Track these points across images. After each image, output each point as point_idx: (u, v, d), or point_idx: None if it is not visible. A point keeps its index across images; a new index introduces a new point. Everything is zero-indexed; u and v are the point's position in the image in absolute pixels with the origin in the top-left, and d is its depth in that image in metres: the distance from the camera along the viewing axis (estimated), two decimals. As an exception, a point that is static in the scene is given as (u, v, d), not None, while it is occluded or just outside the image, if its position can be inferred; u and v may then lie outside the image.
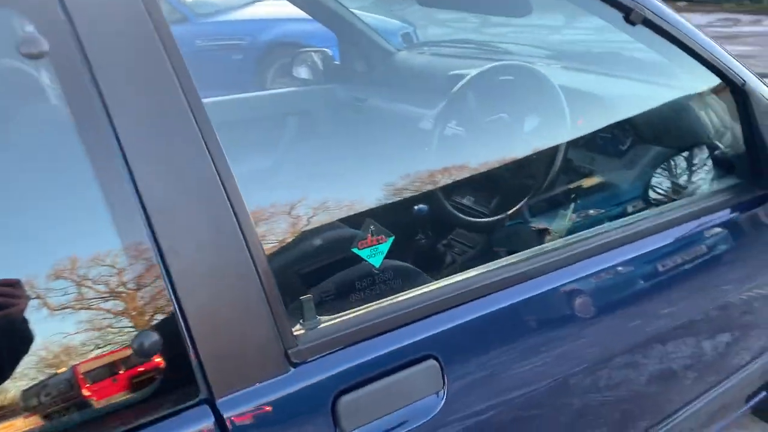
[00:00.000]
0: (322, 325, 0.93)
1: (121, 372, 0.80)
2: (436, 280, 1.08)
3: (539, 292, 1.11)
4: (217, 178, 0.83)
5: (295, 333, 0.89)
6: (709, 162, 1.52)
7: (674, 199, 1.51)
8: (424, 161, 1.74)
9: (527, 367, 1.10)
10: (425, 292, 1.01)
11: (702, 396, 1.46)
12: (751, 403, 1.71)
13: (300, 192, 1.37)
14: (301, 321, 0.93)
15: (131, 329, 0.80)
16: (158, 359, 0.80)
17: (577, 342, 1.16)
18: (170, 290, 0.80)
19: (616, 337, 1.22)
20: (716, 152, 1.52)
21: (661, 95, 1.66)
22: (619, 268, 1.24)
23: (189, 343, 0.81)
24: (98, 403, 0.78)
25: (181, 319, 0.80)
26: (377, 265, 0.98)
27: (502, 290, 1.07)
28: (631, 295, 1.26)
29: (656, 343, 1.30)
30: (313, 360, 0.90)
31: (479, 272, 1.09)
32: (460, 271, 1.10)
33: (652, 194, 1.55)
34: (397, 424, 0.95)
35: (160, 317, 0.80)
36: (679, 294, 1.35)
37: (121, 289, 0.79)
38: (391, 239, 0.98)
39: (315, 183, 1.58)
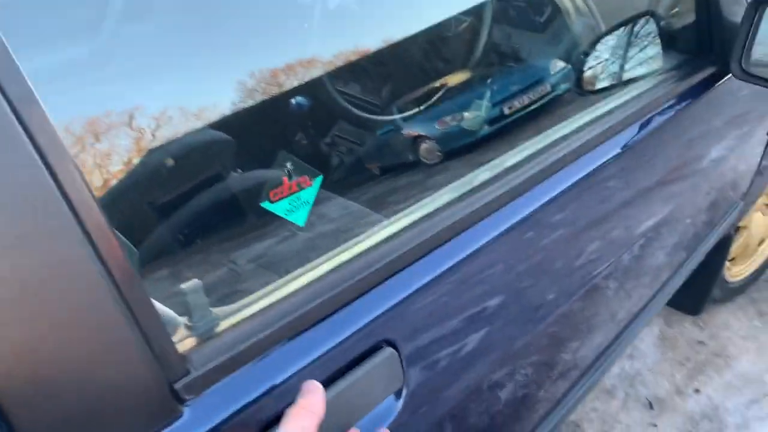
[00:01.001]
0: (223, 327, 0.58)
1: None
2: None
3: (503, 228, 0.83)
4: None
5: (181, 351, 0.54)
6: (651, 36, 1.28)
7: (612, 86, 1.27)
8: (303, 43, 1.36)
9: (500, 327, 0.83)
10: (369, 248, 0.69)
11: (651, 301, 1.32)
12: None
13: (146, 97, 0.96)
14: (187, 322, 0.58)
15: None
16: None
17: (553, 279, 0.91)
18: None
19: (587, 261, 0.99)
20: (658, 23, 1.28)
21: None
22: (576, 185, 0.98)
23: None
24: None
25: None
26: (301, 223, 0.63)
27: (461, 234, 0.77)
28: (599, 210, 1.02)
29: (625, 252, 1.10)
30: (216, 387, 0.56)
31: (428, 209, 0.78)
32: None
33: (585, 79, 1.29)
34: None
35: None
36: (633, 201, 1.14)
37: None
38: (320, 179, 0.63)
39: (161, 83, 1.15)
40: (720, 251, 1.73)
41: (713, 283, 1.89)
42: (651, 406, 1.85)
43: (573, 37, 1.36)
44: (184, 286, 0.57)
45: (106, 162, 0.73)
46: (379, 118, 1.32)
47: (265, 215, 0.67)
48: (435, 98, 1.27)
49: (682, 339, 2.05)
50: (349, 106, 1.30)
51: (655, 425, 1.79)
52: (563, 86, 1.31)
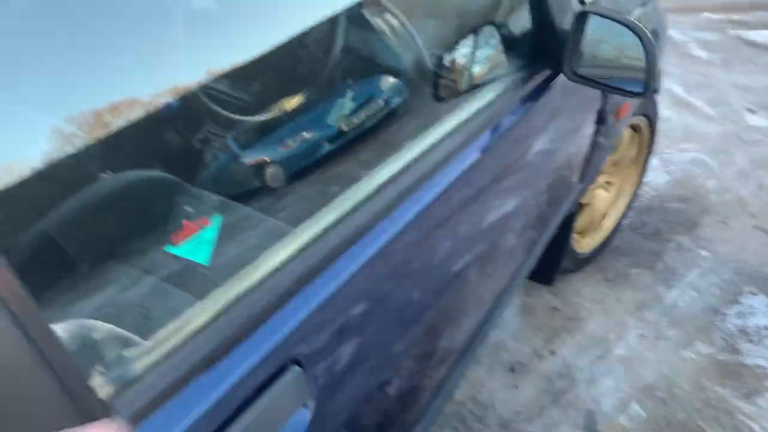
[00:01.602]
0: (140, 371, 0.61)
1: None
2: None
3: (376, 245, 0.90)
4: None
5: (102, 398, 0.56)
6: (495, 43, 1.41)
7: (462, 92, 1.37)
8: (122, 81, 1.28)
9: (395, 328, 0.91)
10: (270, 273, 0.73)
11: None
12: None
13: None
14: (102, 369, 0.60)
15: None
16: None
17: (428, 279, 1.00)
18: None
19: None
20: (501, 30, 1.41)
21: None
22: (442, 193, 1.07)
23: None
24: None
25: None
26: (204, 262, 0.66)
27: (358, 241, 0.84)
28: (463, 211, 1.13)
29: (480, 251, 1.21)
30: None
31: (309, 233, 0.83)
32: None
33: (439, 87, 1.39)
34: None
35: None
36: (489, 196, 1.26)
37: None
38: (219, 220, 0.66)
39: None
40: (565, 227, 1.94)
41: (562, 256, 2.11)
42: (513, 369, 2.04)
43: (400, 53, 1.43)
44: (95, 334, 0.59)
45: None
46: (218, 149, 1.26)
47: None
48: (274, 122, 1.25)
49: (540, 307, 2.27)
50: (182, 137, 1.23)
51: (517, 386, 1.98)
52: (396, 100, 1.38)
